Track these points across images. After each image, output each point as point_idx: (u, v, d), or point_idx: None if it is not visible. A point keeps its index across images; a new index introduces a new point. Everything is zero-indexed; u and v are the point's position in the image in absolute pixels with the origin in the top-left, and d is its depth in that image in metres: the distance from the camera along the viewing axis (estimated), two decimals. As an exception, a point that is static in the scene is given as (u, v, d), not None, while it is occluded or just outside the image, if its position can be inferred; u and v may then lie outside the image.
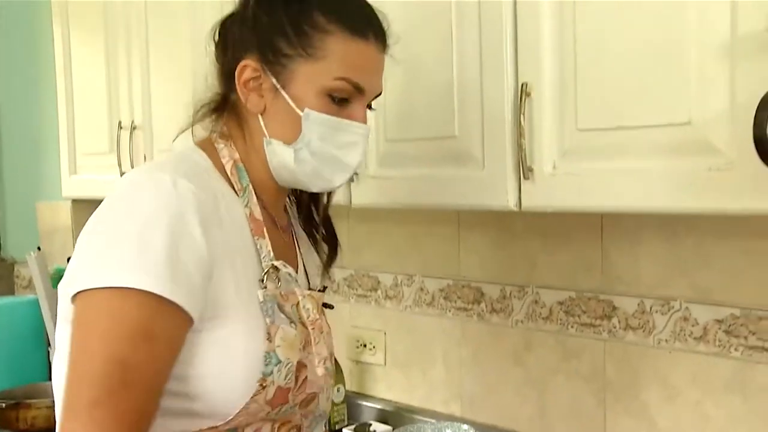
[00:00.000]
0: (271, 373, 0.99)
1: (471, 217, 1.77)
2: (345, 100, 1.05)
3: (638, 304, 1.52)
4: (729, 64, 1.02)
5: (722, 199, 1.04)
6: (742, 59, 1.01)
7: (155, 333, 0.89)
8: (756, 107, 0.89)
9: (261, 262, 1.03)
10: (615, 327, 1.55)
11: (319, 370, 1.07)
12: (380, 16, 1.10)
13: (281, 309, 1.03)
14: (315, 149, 1.05)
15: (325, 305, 1.17)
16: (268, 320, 1.00)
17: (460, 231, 1.80)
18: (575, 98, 1.19)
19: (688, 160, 1.07)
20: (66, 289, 0.94)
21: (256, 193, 1.07)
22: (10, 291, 2.93)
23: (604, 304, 1.57)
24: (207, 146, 1.09)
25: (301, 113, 1.04)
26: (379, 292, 1.99)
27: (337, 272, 2.07)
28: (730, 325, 1.39)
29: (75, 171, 2.42)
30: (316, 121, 1.04)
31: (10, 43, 2.53)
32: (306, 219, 1.23)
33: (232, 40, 1.08)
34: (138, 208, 0.93)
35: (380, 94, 1.12)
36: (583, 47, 1.17)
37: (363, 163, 1.18)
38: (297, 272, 1.11)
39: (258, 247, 1.04)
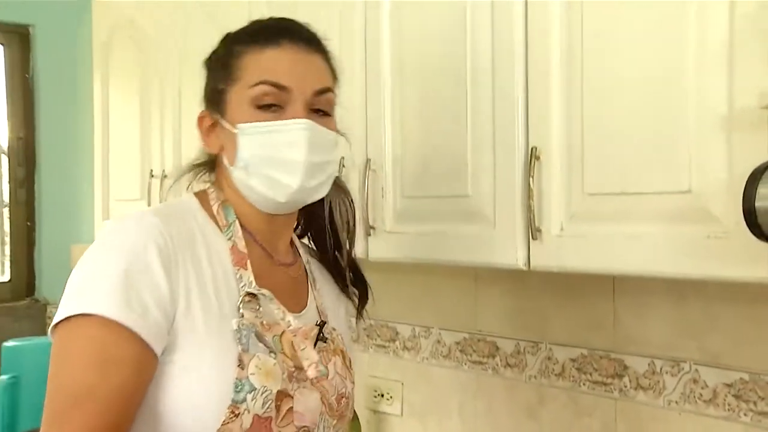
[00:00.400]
0: (244, 400, 0.99)
1: (487, 272, 1.80)
2: (276, 105, 1.08)
3: (649, 365, 1.53)
4: (726, 137, 1.06)
5: (719, 267, 1.07)
6: (738, 133, 1.05)
7: (112, 356, 0.94)
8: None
9: (239, 291, 1.06)
10: (626, 386, 1.57)
11: (305, 417, 1.06)
12: (301, 26, 1.15)
13: (260, 338, 1.04)
14: (257, 159, 1.08)
15: (317, 339, 1.14)
16: (240, 347, 1.01)
17: (477, 285, 1.84)
18: (582, 163, 1.23)
19: (688, 227, 1.10)
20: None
21: (245, 229, 1.12)
22: (43, 332, 3.01)
23: (616, 363, 1.58)
24: (201, 193, 1.16)
25: (234, 130, 1.09)
26: (397, 342, 2.03)
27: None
28: (739, 390, 1.40)
29: (108, 216, 2.51)
30: (247, 132, 1.08)
31: (53, 94, 2.65)
32: (333, 265, 1.27)
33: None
34: (105, 245, 1.00)
35: (326, 90, 1.13)
36: (590, 115, 1.22)
37: (330, 163, 1.14)
38: (304, 309, 1.15)
39: (237, 277, 1.07)
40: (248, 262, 1.09)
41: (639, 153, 1.16)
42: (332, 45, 1.61)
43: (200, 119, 1.15)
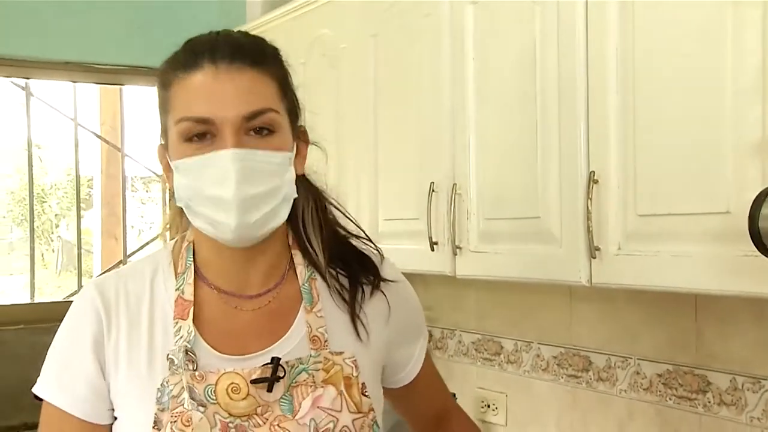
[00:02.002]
0: None
1: (581, 290, 1.88)
2: (204, 136, 0.99)
3: (731, 381, 1.56)
4: (761, 161, 1.12)
5: (756, 284, 1.13)
6: (771, 156, 1.11)
7: (55, 429, 1.06)
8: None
9: (173, 344, 1.03)
10: (710, 402, 1.60)
11: None
12: (227, 37, 1.04)
13: (190, 392, 1.00)
14: (193, 196, 1.00)
15: (257, 381, 1.01)
16: (158, 407, 1.00)
17: (572, 302, 1.92)
18: (635, 186, 1.32)
19: (727, 246, 1.17)
20: None
21: (198, 272, 1.08)
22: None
23: (699, 379, 1.62)
24: (180, 236, 1.13)
25: (173, 164, 1.02)
26: (501, 356, 2.14)
27: (466, 336, 2.25)
28: (815, 406, 1.41)
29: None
30: (180, 169, 1.01)
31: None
32: (335, 277, 1.13)
33: None
34: (62, 323, 1.09)
35: (259, 112, 0.99)
36: (641, 142, 1.31)
37: (278, 189, 1.02)
38: (275, 343, 1.05)
39: (176, 329, 1.04)
40: (191, 311, 1.05)
41: (684, 176, 1.24)
42: (424, 81, 1.79)
43: (159, 153, 1.08)
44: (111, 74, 2.84)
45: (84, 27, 2.71)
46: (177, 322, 1.04)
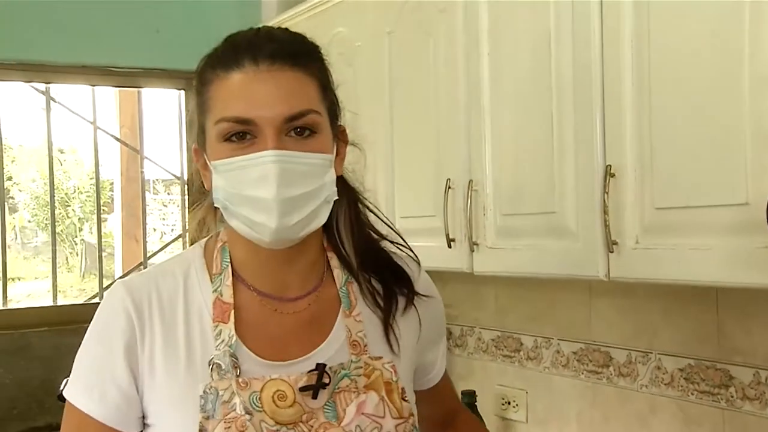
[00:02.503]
0: None
1: (600, 284, 1.87)
2: (245, 137, 0.98)
3: (754, 375, 1.55)
4: (779, 151, 1.11)
5: (775, 275, 1.12)
6: (789, 146, 1.10)
7: None
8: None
9: (215, 350, 1.01)
10: (732, 396, 1.58)
11: None
12: (271, 36, 1.01)
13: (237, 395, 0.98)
14: (231, 198, 0.99)
15: (306, 388, 1.00)
16: (202, 415, 0.97)
17: (591, 297, 1.91)
18: (652, 179, 1.31)
19: (745, 238, 1.16)
20: None
21: (237, 274, 1.06)
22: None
23: (722, 374, 1.61)
24: (211, 237, 1.11)
25: (211, 166, 1.01)
26: (521, 353, 2.13)
27: (486, 333, 2.24)
28: (839, 400, 1.39)
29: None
30: (219, 170, 0.99)
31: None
32: (368, 281, 1.13)
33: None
34: (90, 325, 1.06)
35: (302, 113, 0.98)
36: (657, 135, 1.30)
37: (319, 190, 1.00)
38: (316, 349, 1.04)
39: (216, 333, 1.02)
40: (231, 313, 1.03)
41: (701, 168, 1.23)
42: (439, 77, 1.79)
43: (195, 153, 1.06)
44: (129, 77, 2.86)
45: (102, 30, 2.73)
46: (217, 326, 1.02)
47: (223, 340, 1.01)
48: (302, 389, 1.00)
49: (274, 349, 1.03)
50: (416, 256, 1.20)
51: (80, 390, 1.03)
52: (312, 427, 0.99)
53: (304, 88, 1.00)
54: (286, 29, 1.06)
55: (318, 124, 1.00)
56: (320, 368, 1.01)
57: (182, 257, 1.11)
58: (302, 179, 0.98)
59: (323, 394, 1.01)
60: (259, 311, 1.05)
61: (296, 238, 1.01)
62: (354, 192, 1.13)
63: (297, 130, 0.98)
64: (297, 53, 1.01)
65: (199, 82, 1.03)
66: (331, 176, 1.03)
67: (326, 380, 1.01)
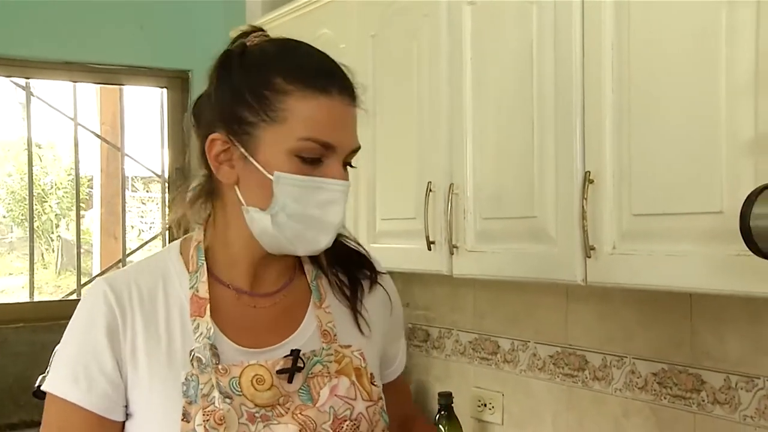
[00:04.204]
0: None
1: (577, 289, 1.90)
2: (317, 159, 1.03)
3: (725, 380, 1.58)
4: (753, 161, 1.14)
5: (748, 283, 1.14)
6: (764, 156, 1.12)
7: (66, 427, 1.05)
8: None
9: (193, 341, 1.06)
10: (704, 401, 1.61)
11: None
12: (344, 70, 1.08)
13: (217, 386, 1.03)
14: (292, 212, 1.03)
15: (282, 371, 1.07)
16: (185, 400, 1.02)
17: (568, 302, 1.94)
18: (630, 186, 1.33)
19: (720, 245, 1.18)
20: None
21: (212, 272, 1.11)
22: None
23: (693, 378, 1.63)
24: (190, 234, 1.15)
25: (271, 177, 1.02)
26: (498, 355, 2.15)
27: (463, 336, 2.26)
28: (808, 405, 1.42)
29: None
30: (287, 183, 1.02)
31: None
32: (334, 274, 1.20)
33: (203, 119, 1.09)
34: (71, 320, 1.09)
35: (358, 149, 1.08)
36: (636, 143, 1.32)
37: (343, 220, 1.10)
38: (288, 338, 1.10)
39: (195, 326, 1.06)
40: (207, 307, 1.08)
41: (678, 176, 1.25)
42: (422, 80, 1.81)
43: (212, 142, 1.06)
44: (111, 74, 2.85)
45: (85, 27, 2.72)
46: (195, 320, 1.07)
47: (201, 333, 1.06)
48: (279, 372, 1.06)
49: (251, 338, 1.09)
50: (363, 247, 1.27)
51: (67, 381, 1.05)
52: (288, 409, 1.06)
53: (356, 125, 1.09)
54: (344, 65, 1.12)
55: None
56: (294, 353, 1.07)
57: (159, 256, 1.17)
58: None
59: (298, 378, 1.08)
60: (236, 305, 1.12)
61: None
62: None
63: (345, 164, 1.08)
64: (356, 92, 1.09)
65: (260, 82, 1.03)
66: None
67: (300, 364, 1.08)
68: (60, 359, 1.08)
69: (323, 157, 1.04)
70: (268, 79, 1.03)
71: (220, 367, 1.04)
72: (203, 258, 1.11)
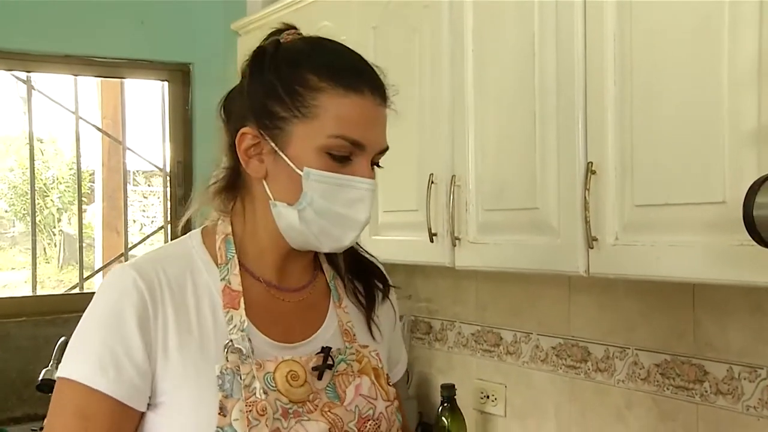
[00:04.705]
0: None
1: (579, 280, 1.90)
2: (346, 157, 1.04)
3: (727, 370, 1.58)
4: (756, 151, 1.14)
5: (750, 273, 1.14)
6: (766, 146, 1.12)
7: (88, 415, 1.00)
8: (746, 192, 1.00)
9: (227, 334, 1.05)
10: (707, 391, 1.61)
11: None
12: (377, 71, 1.10)
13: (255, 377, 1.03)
14: (319, 208, 1.04)
15: (316, 368, 1.07)
16: (221, 394, 1.01)
17: (570, 293, 1.94)
18: (632, 177, 1.33)
19: (723, 236, 1.18)
20: None
21: (243, 265, 1.10)
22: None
23: (696, 369, 1.64)
24: (207, 228, 1.14)
25: (300, 173, 1.03)
26: (501, 347, 2.15)
27: (466, 328, 2.26)
28: (810, 395, 1.42)
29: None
30: (316, 179, 1.03)
31: (208, 123, 3.00)
32: (348, 278, 1.22)
33: (234, 113, 1.10)
34: (91, 310, 1.05)
35: (386, 149, 1.10)
36: (638, 133, 1.32)
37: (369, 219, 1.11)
38: (314, 335, 1.11)
39: (228, 318, 1.06)
40: (241, 300, 1.07)
41: (680, 166, 1.25)
42: (424, 73, 1.80)
43: (243, 136, 1.07)
44: (112, 68, 2.84)
45: (85, 20, 2.71)
46: (228, 312, 1.06)
47: (235, 325, 1.05)
48: (314, 369, 1.07)
49: (281, 332, 1.09)
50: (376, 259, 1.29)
51: (93, 369, 1.01)
52: (317, 406, 1.06)
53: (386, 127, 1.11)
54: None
55: None
56: (326, 350, 1.08)
57: (180, 244, 1.13)
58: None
59: (326, 376, 1.08)
60: (266, 298, 1.11)
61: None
62: None
63: (375, 162, 1.09)
64: (387, 94, 1.11)
65: (294, 78, 1.05)
66: None
67: (330, 362, 1.08)
68: (83, 346, 1.04)
69: (352, 155, 1.05)
70: (301, 75, 1.04)
71: (254, 361, 1.04)
72: (233, 251, 1.10)
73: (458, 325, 2.29)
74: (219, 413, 1.00)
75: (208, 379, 1.02)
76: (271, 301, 1.11)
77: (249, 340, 1.05)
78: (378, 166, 1.10)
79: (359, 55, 1.10)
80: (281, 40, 1.09)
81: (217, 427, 1.00)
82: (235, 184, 1.12)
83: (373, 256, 1.26)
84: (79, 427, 1.01)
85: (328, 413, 1.06)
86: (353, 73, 1.06)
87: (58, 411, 1.03)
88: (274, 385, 1.03)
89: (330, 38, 1.12)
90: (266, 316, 1.09)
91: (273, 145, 1.05)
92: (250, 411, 1.00)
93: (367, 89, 1.05)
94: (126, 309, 1.02)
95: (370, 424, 1.09)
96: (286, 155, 1.04)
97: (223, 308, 1.06)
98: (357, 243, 1.20)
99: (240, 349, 1.03)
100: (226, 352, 1.03)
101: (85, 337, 1.04)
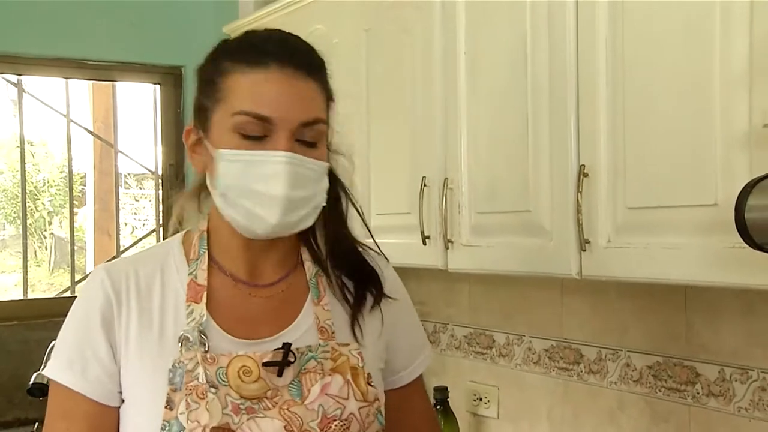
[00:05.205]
0: None
1: (571, 283, 1.90)
2: (261, 136, 1.02)
3: (719, 372, 1.58)
4: (748, 154, 1.14)
5: (743, 276, 1.15)
6: (758, 149, 1.12)
7: (68, 414, 1.06)
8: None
9: (185, 327, 1.06)
10: (698, 393, 1.62)
11: None
12: (298, 43, 1.09)
13: (204, 374, 1.02)
14: (236, 188, 1.03)
15: (268, 364, 1.05)
16: (170, 387, 1.02)
17: (563, 295, 1.94)
18: (624, 179, 1.33)
19: (715, 238, 1.18)
20: None
21: (213, 259, 1.11)
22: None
23: (688, 371, 1.64)
24: (193, 228, 1.15)
25: (213, 154, 1.05)
26: (493, 350, 2.15)
27: (458, 330, 2.26)
28: (802, 396, 1.43)
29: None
30: (226, 159, 1.03)
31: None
32: (337, 275, 1.19)
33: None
34: (72, 307, 1.11)
35: (314, 122, 1.06)
36: (630, 136, 1.32)
37: (315, 196, 1.08)
38: (283, 331, 1.09)
39: (189, 312, 1.07)
40: (204, 294, 1.08)
41: (672, 169, 1.25)
42: (416, 75, 1.80)
43: (187, 133, 1.11)
44: (103, 71, 2.84)
45: (76, 23, 2.70)
46: (189, 305, 1.07)
47: (194, 318, 1.07)
48: (265, 364, 1.05)
49: (244, 328, 1.09)
50: (386, 258, 1.27)
51: (63, 365, 1.07)
52: (276, 403, 1.04)
53: (316, 98, 1.07)
54: (301, 38, 1.11)
55: (322, 134, 1.09)
56: (286, 347, 1.06)
57: (162, 245, 1.18)
58: (305, 183, 1.05)
59: (288, 373, 1.06)
60: (233, 294, 1.11)
61: (285, 234, 1.09)
62: (335, 192, 1.17)
63: (304, 141, 1.05)
64: (314, 64, 1.08)
65: (212, 68, 1.07)
66: (325, 184, 1.10)
67: (291, 359, 1.06)
68: (58, 345, 1.10)
69: (266, 132, 1.03)
70: (217, 64, 1.07)
71: (208, 356, 1.03)
72: (205, 246, 1.11)
73: (451, 328, 2.30)
74: (166, 407, 1.01)
75: (162, 374, 1.03)
76: (238, 297, 1.11)
77: (202, 332, 1.05)
78: (309, 143, 1.06)
79: (277, 32, 1.09)
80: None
81: (163, 420, 1.00)
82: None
83: (382, 254, 1.26)
84: (61, 428, 1.07)
85: (286, 411, 1.03)
86: (257, 50, 1.05)
87: (48, 412, 1.09)
88: (225, 380, 1.02)
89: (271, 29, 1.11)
90: (231, 311, 1.09)
91: (202, 134, 1.08)
92: (189, 394, 1.01)
93: (274, 63, 1.03)
94: (92, 309, 1.07)
95: (335, 425, 1.05)
96: (208, 141, 1.06)
97: (185, 301, 1.08)
98: (362, 244, 1.22)
99: (188, 338, 1.04)
100: (181, 345, 1.04)
101: (60, 337, 1.10)
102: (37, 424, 2.48)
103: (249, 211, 1.04)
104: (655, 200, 1.28)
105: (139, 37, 2.81)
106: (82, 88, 3.90)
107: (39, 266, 6.20)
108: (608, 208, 1.36)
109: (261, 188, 1.02)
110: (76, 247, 3.00)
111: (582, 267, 1.41)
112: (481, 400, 2.18)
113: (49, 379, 1.09)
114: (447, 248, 1.72)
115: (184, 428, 0.99)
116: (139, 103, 3.16)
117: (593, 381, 1.86)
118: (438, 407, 2.12)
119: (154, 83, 2.93)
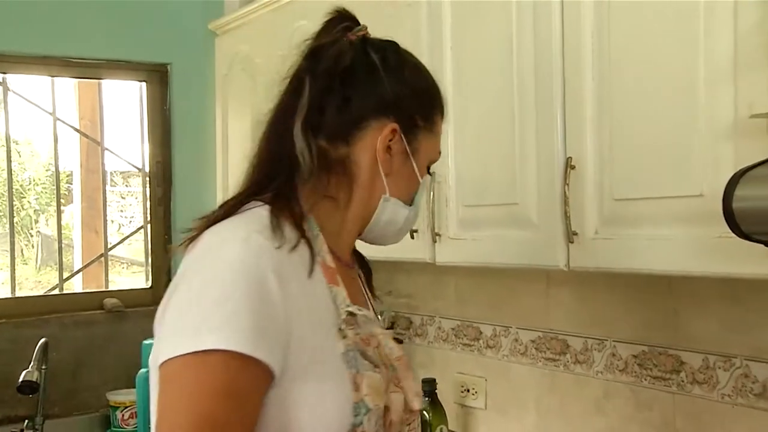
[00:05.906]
0: (361, 423, 0.97)
1: (557, 274, 1.92)
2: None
3: (703, 360, 1.61)
4: (733, 145, 1.17)
5: (729, 265, 1.18)
6: (742, 140, 1.15)
7: (240, 390, 0.90)
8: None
9: (337, 310, 1.01)
10: (683, 381, 1.65)
11: (415, 403, 1.08)
12: None
13: (364, 355, 1.01)
14: (418, 211, 1.17)
15: (397, 339, 1.14)
16: (353, 370, 0.98)
17: (549, 287, 1.97)
18: (611, 171, 1.36)
19: (701, 228, 1.22)
20: (155, 360, 0.95)
21: (326, 242, 1.07)
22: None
23: (673, 359, 1.67)
24: (276, 204, 1.04)
25: (421, 180, 1.14)
26: (480, 341, 2.18)
27: (446, 322, 2.29)
28: (784, 383, 1.46)
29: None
30: (424, 187, 1.16)
31: (186, 123, 2.97)
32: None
33: (357, 97, 1.09)
34: (218, 270, 0.93)
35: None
36: (617, 128, 1.35)
37: None
38: (369, 309, 1.13)
39: (333, 294, 1.02)
40: (338, 276, 1.05)
41: (658, 160, 1.28)
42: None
43: (393, 132, 1.09)
44: (89, 68, 2.83)
45: (62, 21, 2.70)
46: (331, 287, 1.03)
47: (341, 302, 1.03)
48: (397, 340, 1.12)
49: (362, 306, 1.11)
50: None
51: (249, 338, 0.90)
52: (399, 378, 1.08)
53: None
54: None
55: None
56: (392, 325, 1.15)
57: (257, 221, 1.01)
58: None
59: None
60: (344, 275, 1.09)
61: None
62: None
63: None
64: None
65: (435, 104, 1.17)
66: None
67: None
68: (228, 313, 0.90)
69: None
70: (440, 105, 1.18)
71: (363, 337, 1.04)
72: (317, 229, 1.06)
73: (438, 320, 2.32)
74: (353, 389, 0.97)
75: (336, 354, 0.99)
76: (347, 278, 1.10)
77: (352, 314, 1.04)
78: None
79: None
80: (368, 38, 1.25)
81: (354, 403, 0.97)
82: (326, 167, 1.08)
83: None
84: (229, 404, 0.89)
85: (400, 385, 1.08)
86: (444, 101, 1.19)
87: (197, 389, 0.89)
88: (380, 359, 1.05)
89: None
90: (350, 291, 1.07)
91: (408, 147, 1.11)
92: (371, 386, 0.99)
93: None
94: (268, 276, 0.94)
95: (417, 400, 1.14)
96: (415, 161, 1.12)
97: (327, 283, 1.03)
98: None
99: (357, 322, 1.04)
100: (344, 327, 1.01)
101: (228, 304, 0.91)
102: (27, 421, 2.48)
103: (399, 228, 1.14)
104: (641, 192, 1.31)
105: (125, 34, 2.81)
106: (68, 86, 3.88)
107: (26, 264, 6.17)
108: (595, 200, 1.39)
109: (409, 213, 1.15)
110: (63, 245, 2.99)
111: (569, 259, 1.44)
112: (468, 391, 2.20)
113: (168, 362, 0.90)
114: (435, 241, 1.74)
115: (370, 409, 0.99)
116: (126, 101, 3.15)
117: (579, 371, 1.89)
118: (426, 399, 2.14)
119: (141, 81, 2.93)
